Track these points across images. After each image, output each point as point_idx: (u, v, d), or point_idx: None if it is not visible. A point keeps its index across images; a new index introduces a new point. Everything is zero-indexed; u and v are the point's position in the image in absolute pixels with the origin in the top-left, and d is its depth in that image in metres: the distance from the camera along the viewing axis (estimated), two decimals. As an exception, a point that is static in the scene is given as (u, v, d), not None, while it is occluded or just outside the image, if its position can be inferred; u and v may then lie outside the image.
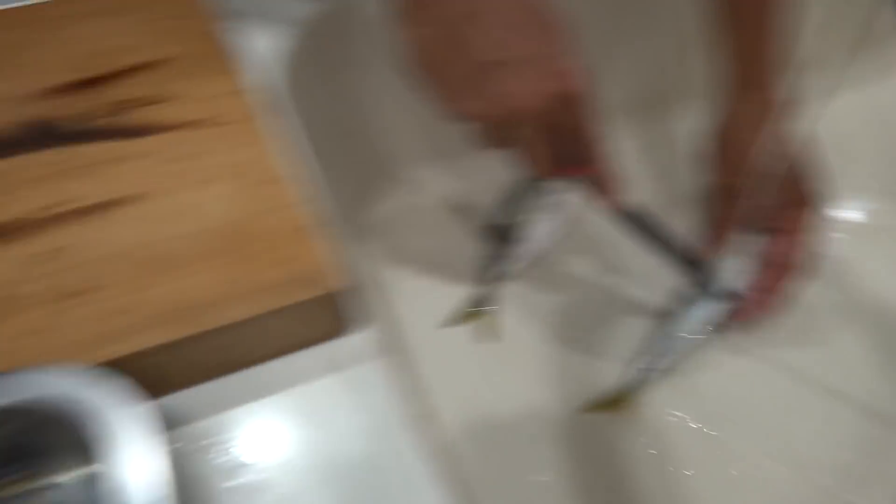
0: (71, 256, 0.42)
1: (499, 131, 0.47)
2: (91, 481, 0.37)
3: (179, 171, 0.45)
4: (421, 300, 0.66)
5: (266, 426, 0.41)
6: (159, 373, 0.40)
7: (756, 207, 0.61)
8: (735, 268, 0.61)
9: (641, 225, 0.59)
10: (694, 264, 0.61)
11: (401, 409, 0.41)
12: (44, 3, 0.55)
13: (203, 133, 0.47)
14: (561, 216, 0.61)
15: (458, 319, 0.66)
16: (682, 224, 0.64)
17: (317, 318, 0.41)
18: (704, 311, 0.61)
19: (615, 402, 0.60)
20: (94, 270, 0.41)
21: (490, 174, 0.77)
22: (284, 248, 0.41)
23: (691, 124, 0.67)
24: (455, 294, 0.67)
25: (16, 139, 0.47)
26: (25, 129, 0.48)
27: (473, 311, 0.67)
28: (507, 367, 0.63)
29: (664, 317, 0.62)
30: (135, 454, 0.34)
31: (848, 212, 0.75)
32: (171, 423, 0.41)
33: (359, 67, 0.67)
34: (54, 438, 0.37)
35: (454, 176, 0.78)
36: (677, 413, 0.61)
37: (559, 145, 0.49)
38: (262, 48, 0.58)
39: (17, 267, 0.42)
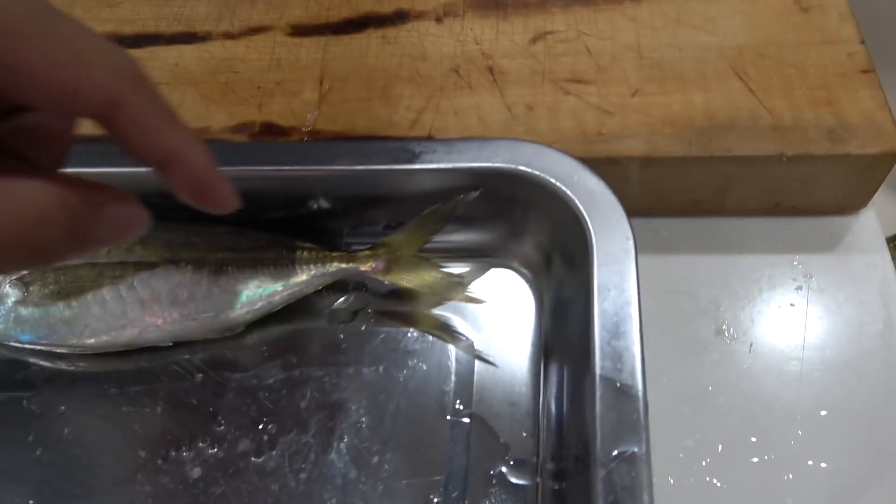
0: (562, 44, 0.39)
1: None
2: (551, 269, 0.35)
3: (700, -24, 0.39)
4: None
5: (723, 285, 0.35)
6: (623, 188, 0.36)
7: None
8: None
9: None
10: None
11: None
12: None
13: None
14: None
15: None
16: None
17: (840, 182, 0.34)
18: None
19: None
20: (583, 64, 0.38)
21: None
22: (827, 89, 0.34)
23: None
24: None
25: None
26: None
27: None
28: None
29: None
30: (610, 254, 0.30)
31: None
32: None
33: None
34: (514, 218, 0.35)
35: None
36: None
37: None
38: None
39: (509, 42, 0.39)
